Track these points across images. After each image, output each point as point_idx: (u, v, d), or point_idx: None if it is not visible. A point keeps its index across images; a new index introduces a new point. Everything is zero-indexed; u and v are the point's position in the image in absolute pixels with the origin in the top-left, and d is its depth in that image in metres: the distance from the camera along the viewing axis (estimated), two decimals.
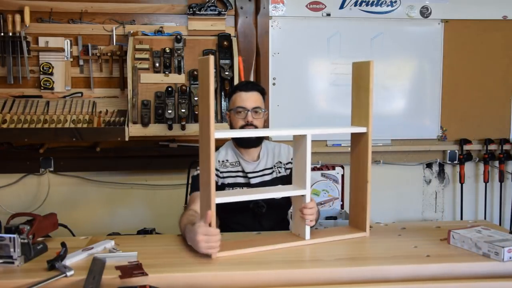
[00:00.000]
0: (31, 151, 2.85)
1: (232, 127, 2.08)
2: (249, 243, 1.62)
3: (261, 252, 1.58)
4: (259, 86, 2.12)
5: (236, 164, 2.07)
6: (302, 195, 1.69)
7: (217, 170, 2.02)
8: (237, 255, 1.54)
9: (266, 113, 2.09)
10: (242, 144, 2.06)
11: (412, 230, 1.85)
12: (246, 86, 2.08)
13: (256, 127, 2.01)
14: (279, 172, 2.09)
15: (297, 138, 1.71)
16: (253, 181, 2.04)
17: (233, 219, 2.01)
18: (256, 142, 2.05)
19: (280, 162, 2.11)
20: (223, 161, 2.07)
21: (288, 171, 2.08)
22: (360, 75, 1.74)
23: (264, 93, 2.12)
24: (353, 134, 1.80)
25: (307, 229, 1.69)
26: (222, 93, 2.80)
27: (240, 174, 2.06)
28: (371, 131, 1.73)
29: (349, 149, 1.84)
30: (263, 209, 2.00)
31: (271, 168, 2.09)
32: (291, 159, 2.03)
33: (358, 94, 1.77)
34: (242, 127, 2.01)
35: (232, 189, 2.02)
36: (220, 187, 2.01)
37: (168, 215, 2.99)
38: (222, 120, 2.76)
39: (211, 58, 1.47)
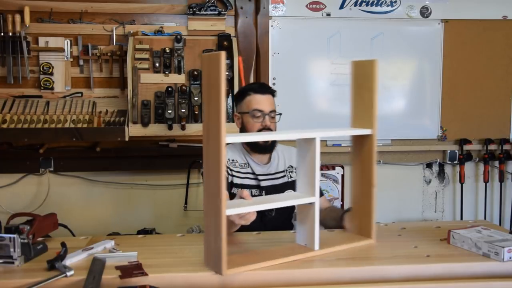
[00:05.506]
0: (31, 151, 2.85)
1: (245, 130, 2.00)
2: (256, 257, 1.48)
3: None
4: (272, 89, 2.06)
5: (245, 165, 2.01)
6: (311, 203, 1.55)
7: (227, 167, 1.95)
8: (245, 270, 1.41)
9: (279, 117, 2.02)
10: (257, 149, 2.00)
11: (412, 230, 1.85)
12: (261, 88, 2.01)
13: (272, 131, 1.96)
14: (291, 177, 2.05)
15: (303, 141, 1.58)
16: (263, 183, 1.99)
17: None
18: (272, 147, 1.99)
19: (292, 167, 2.07)
20: (232, 160, 2.00)
21: None
22: (362, 75, 1.64)
23: (275, 96, 2.05)
24: (355, 136, 1.69)
25: (317, 239, 1.54)
26: None
27: (250, 176, 2.01)
28: (376, 133, 1.63)
29: (349, 149, 1.82)
30: (272, 213, 1.98)
31: (283, 171, 2.05)
32: None
33: (359, 94, 1.66)
34: (259, 132, 1.95)
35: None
36: (229, 185, 1.95)
37: (168, 215, 3.00)
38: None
39: (223, 54, 1.28)
